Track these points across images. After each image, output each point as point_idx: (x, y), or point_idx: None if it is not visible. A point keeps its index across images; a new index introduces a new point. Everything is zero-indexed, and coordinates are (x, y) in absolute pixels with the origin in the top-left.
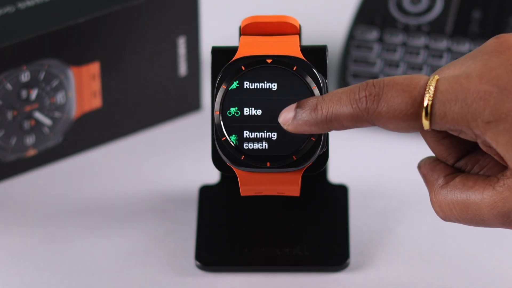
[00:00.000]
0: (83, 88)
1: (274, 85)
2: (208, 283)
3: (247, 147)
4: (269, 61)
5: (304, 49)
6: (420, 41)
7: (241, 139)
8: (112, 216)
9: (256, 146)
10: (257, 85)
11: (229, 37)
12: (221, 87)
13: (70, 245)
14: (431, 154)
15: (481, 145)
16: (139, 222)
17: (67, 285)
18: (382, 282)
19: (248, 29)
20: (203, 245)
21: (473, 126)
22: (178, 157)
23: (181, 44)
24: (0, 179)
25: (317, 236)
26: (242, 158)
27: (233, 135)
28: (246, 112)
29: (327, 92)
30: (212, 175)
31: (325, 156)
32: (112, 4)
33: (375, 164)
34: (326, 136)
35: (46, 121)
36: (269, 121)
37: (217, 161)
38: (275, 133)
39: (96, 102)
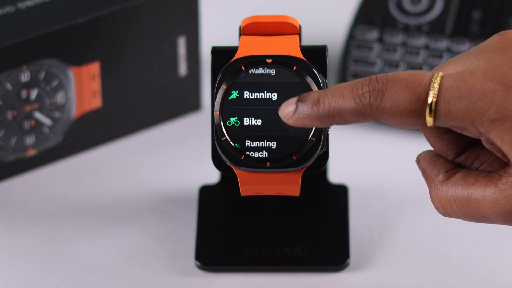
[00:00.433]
0: (83, 88)
1: (274, 95)
2: (208, 283)
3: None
4: (269, 61)
5: (304, 49)
6: (420, 41)
7: (243, 148)
8: (112, 216)
9: (256, 155)
10: (257, 95)
11: (229, 37)
12: (221, 87)
13: (70, 245)
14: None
15: (484, 143)
16: (139, 222)
17: (67, 285)
18: (382, 282)
19: (248, 29)
20: (203, 245)
21: (477, 124)
22: (178, 157)
23: (181, 44)
24: (0, 179)
25: (317, 236)
26: (242, 158)
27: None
28: (246, 122)
29: None
30: (212, 175)
31: (325, 156)
32: (112, 4)
33: (375, 164)
34: (326, 136)
35: (46, 121)
36: (268, 131)
37: (217, 161)
38: (275, 143)
39: (96, 102)
